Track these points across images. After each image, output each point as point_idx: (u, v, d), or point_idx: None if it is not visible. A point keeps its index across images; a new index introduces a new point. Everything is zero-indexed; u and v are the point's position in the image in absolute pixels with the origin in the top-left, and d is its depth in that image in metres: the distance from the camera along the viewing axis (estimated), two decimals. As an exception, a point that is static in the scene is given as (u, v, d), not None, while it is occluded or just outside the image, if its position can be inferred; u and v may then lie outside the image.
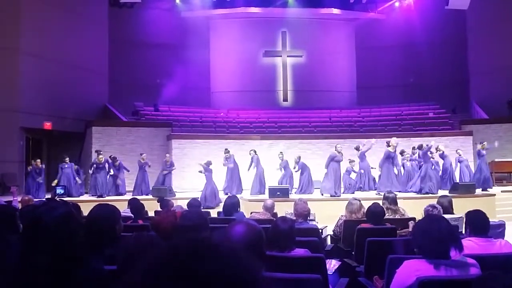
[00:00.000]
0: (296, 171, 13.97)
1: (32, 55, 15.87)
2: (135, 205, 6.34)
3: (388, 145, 12.90)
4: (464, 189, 11.77)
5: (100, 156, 13.68)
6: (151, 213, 6.88)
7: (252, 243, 1.85)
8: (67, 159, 14.00)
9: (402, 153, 13.87)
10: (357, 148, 13.95)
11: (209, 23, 22.54)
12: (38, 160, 14.18)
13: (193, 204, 6.38)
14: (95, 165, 13.51)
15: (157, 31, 21.01)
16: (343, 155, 12.68)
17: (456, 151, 14.75)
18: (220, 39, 22.53)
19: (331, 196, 12.02)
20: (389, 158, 12.76)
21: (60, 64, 16.72)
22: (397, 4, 22.73)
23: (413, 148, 13.74)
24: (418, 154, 13.05)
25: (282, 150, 15.34)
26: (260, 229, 2.01)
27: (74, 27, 17.31)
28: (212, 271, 0.69)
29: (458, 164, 14.48)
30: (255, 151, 14.13)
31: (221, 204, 9.09)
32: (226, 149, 13.95)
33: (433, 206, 5.02)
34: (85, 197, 13.42)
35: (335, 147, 12.69)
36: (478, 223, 3.47)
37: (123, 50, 20.12)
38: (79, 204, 5.10)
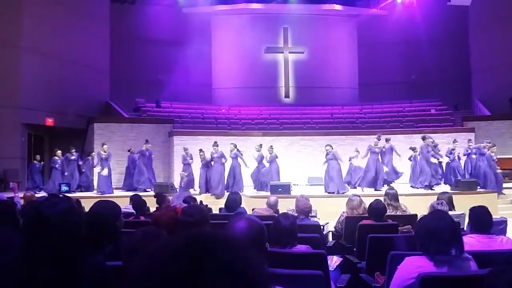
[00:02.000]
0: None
1: (34, 52, 15.86)
2: (137, 201, 6.36)
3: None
4: (466, 185, 11.76)
5: (105, 146, 13.75)
6: (153, 210, 6.90)
7: (254, 238, 1.85)
8: (73, 150, 14.07)
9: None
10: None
11: (211, 19, 22.50)
12: (59, 152, 14.27)
13: (188, 201, 6.39)
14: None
15: (158, 27, 20.99)
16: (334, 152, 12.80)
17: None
18: (222, 35, 22.51)
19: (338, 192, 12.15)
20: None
21: (61, 60, 16.71)
22: (399, 0, 22.65)
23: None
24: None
25: (284, 146, 15.42)
26: (261, 224, 2.01)
27: (75, 23, 17.29)
28: (215, 265, 0.70)
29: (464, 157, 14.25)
30: (235, 145, 13.79)
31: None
32: (215, 142, 13.84)
33: (439, 202, 5.01)
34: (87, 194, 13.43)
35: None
36: (481, 220, 3.45)
37: (125, 46, 20.12)
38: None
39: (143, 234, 2.24)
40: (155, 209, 6.37)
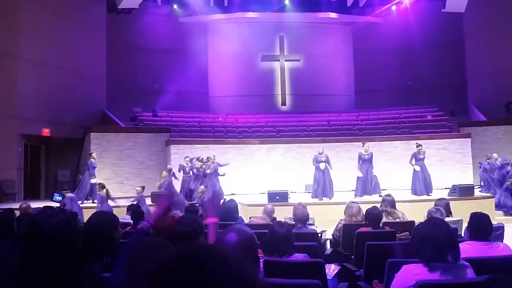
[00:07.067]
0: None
1: (31, 61, 15.87)
2: (134, 211, 6.34)
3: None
4: (463, 191, 11.77)
5: (94, 154, 13.72)
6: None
7: (245, 249, 1.86)
8: (94, 154, 13.97)
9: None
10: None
11: (207, 28, 22.58)
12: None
13: (190, 210, 6.36)
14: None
15: (155, 36, 21.06)
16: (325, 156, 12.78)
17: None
18: (218, 44, 22.57)
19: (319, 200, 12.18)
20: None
21: (58, 70, 16.72)
22: (394, 7, 22.79)
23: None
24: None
25: (281, 153, 15.46)
26: (251, 234, 2.02)
27: (72, 33, 17.33)
28: (217, 278, 0.70)
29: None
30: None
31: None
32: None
33: (437, 209, 5.01)
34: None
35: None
36: (480, 227, 3.45)
37: (122, 56, 20.15)
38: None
39: (145, 244, 2.21)
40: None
